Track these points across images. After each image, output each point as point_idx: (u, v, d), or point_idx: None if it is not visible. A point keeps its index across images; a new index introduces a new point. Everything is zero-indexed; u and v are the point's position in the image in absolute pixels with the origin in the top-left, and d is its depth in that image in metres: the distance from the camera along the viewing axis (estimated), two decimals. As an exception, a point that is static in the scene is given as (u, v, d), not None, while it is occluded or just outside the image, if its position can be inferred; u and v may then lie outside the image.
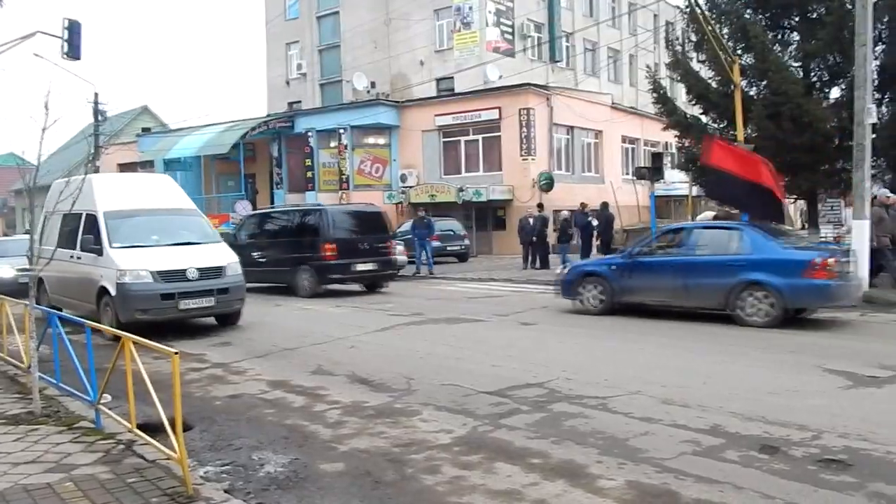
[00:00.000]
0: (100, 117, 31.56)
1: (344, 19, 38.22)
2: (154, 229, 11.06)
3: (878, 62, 15.84)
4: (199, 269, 10.44)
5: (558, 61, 36.81)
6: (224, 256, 11.14)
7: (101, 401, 5.61)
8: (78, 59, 17.48)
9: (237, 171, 32.78)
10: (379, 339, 9.98)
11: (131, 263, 10.14)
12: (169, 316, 10.31)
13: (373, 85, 34.27)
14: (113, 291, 10.06)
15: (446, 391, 6.87)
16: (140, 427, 5.09)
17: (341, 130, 30.32)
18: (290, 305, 14.27)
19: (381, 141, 30.86)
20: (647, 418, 5.77)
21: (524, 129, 26.97)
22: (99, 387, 5.58)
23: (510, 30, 34.03)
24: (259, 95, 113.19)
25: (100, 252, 10.43)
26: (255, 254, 16.01)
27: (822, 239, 17.45)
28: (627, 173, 30.75)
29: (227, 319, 11.38)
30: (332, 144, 31.04)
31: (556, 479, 4.56)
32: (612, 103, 32.90)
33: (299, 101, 39.91)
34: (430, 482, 4.61)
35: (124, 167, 38.89)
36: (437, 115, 29.16)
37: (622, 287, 11.66)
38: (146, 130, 39.54)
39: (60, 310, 10.78)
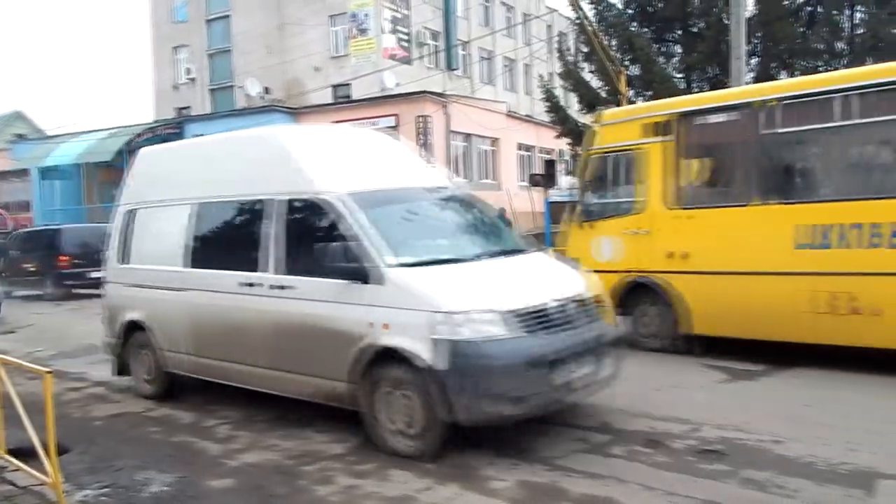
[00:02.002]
0: (-34, 122, 29.32)
1: (235, 23, 37.22)
2: (429, 228, 6.19)
3: (752, 74, 16.94)
4: (573, 303, 5.45)
5: (455, 69, 37.31)
6: (571, 275, 5.95)
7: (-35, 427, 5.19)
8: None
9: (122, 180, 31.06)
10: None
11: (465, 299, 4.99)
12: (548, 401, 5.21)
13: (267, 91, 33.45)
14: (435, 361, 4.82)
15: (342, 400, 6.78)
16: (12, 452, 4.77)
17: (234, 137, 29.46)
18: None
19: (277, 147, 30.19)
20: (541, 419, 5.89)
21: (422, 137, 27.08)
22: (-39, 412, 5.16)
23: (406, 37, 34.17)
24: (145, 100, 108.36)
25: (362, 275, 5.24)
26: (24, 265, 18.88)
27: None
28: (524, 180, 31.47)
29: None
30: (225, 151, 30.10)
31: (449, 483, 4.59)
32: (508, 111, 33.58)
33: (188, 107, 38.48)
34: (322, 493, 4.54)
35: (-5, 176, 36.28)
36: (333, 122, 28.77)
37: None
38: (20, 136, 36.91)
39: (174, 381, 7.03)
